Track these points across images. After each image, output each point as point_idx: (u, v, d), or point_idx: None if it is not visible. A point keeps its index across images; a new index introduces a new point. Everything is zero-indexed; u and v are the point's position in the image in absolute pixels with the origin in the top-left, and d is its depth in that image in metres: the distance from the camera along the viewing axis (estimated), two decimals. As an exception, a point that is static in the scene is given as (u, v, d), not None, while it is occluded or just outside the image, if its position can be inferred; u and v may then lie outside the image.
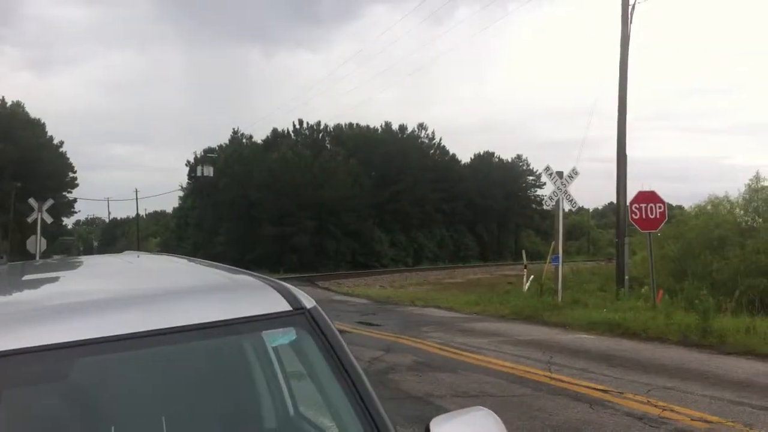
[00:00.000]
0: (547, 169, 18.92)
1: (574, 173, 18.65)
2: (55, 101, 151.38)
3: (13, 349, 1.49)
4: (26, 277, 2.69)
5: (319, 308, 1.93)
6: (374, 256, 62.06)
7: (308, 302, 1.92)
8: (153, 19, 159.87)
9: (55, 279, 2.63)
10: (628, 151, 20.13)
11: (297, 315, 1.86)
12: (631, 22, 19.99)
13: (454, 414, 1.93)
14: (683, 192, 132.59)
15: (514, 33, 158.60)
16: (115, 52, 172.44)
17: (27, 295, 2.29)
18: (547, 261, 21.68)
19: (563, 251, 18.80)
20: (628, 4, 19.96)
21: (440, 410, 7.26)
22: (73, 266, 3.31)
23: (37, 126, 62.88)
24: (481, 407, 1.99)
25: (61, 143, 66.75)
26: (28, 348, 1.51)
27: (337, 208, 57.85)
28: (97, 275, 2.79)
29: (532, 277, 22.60)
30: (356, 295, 27.02)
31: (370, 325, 15.90)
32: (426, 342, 12.84)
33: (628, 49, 20.13)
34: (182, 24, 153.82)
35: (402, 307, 20.88)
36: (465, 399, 8.12)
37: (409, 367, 10.28)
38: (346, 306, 21.12)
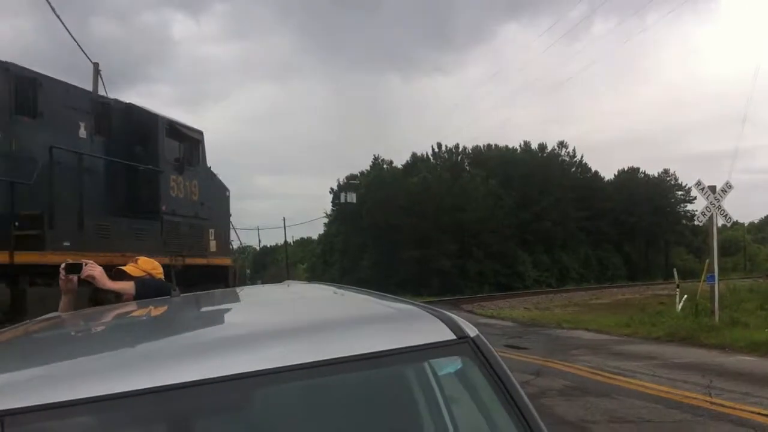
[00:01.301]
0: (698, 183, 18.23)
1: (727, 187, 17.87)
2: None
3: (196, 380, 1.57)
4: (203, 309, 2.91)
5: (482, 337, 1.95)
6: (517, 277, 61.29)
7: (471, 331, 1.93)
8: (292, 51, 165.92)
9: (225, 311, 2.77)
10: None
11: (461, 344, 1.87)
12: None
13: None
14: None
15: (654, 45, 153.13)
16: (258, 85, 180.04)
17: (202, 325, 2.44)
18: (702, 279, 20.76)
19: (718, 268, 17.99)
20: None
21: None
22: (237, 298, 3.46)
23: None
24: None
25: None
26: (207, 379, 1.58)
27: (478, 229, 57.70)
28: (263, 306, 2.92)
29: (685, 296, 21.64)
30: (501, 317, 26.81)
31: (518, 348, 15.77)
32: (576, 366, 12.62)
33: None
34: (320, 54, 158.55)
35: (549, 330, 20.57)
36: (621, 425, 7.95)
37: (561, 392, 10.16)
38: (492, 329, 20.99)
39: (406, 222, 56.33)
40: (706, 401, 9.08)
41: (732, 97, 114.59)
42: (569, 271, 68.24)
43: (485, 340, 1.95)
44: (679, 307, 20.97)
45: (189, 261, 12.84)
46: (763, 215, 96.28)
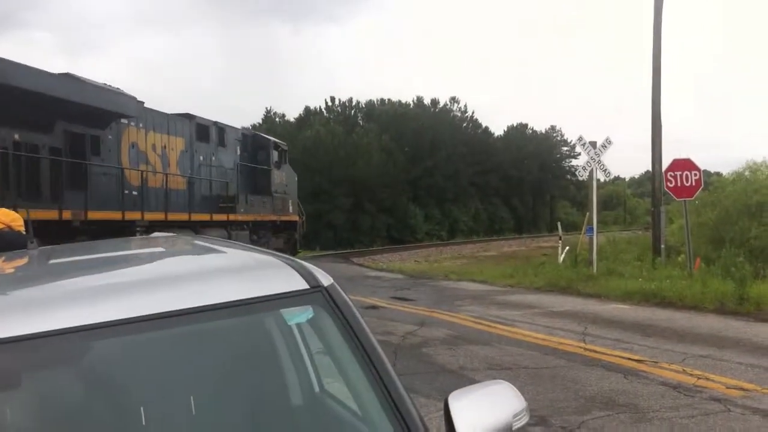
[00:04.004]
0: (580, 139, 18.76)
1: (607, 142, 18.46)
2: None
3: (34, 333, 1.52)
4: (53, 261, 2.76)
5: (337, 286, 1.94)
6: (409, 231, 62.00)
7: (326, 280, 1.94)
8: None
9: (81, 263, 2.66)
10: (664, 119, 19.83)
11: (314, 293, 1.88)
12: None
13: (473, 387, 1.97)
14: (723, 159, 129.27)
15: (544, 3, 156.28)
16: (146, 33, 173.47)
17: (52, 278, 2.32)
18: (582, 232, 21.54)
19: (599, 221, 18.67)
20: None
21: (473, 383, 7.30)
22: (97, 251, 3.35)
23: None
24: (501, 380, 2.03)
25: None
26: (48, 332, 1.53)
27: (371, 184, 57.83)
28: (121, 258, 2.84)
29: (567, 248, 22.46)
30: (391, 270, 27.07)
31: (405, 300, 15.95)
32: (460, 315, 12.88)
33: (661, 14, 19.82)
34: (211, 3, 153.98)
35: (436, 281, 20.92)
36: (499, 371, 8.15)
37: (443, 341, 10.33)
38: (381, 281, 21.21)
39: (298, 176, 55.74)
40: (581, 348, 9.45)
41: (619, 58, 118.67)
42: (459, 224, 69.58)
43: (339, 290, 1.96)
44: (561, 259, 21.76)
45: (282, 218, 23.38)
46: (643, 171, 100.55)
